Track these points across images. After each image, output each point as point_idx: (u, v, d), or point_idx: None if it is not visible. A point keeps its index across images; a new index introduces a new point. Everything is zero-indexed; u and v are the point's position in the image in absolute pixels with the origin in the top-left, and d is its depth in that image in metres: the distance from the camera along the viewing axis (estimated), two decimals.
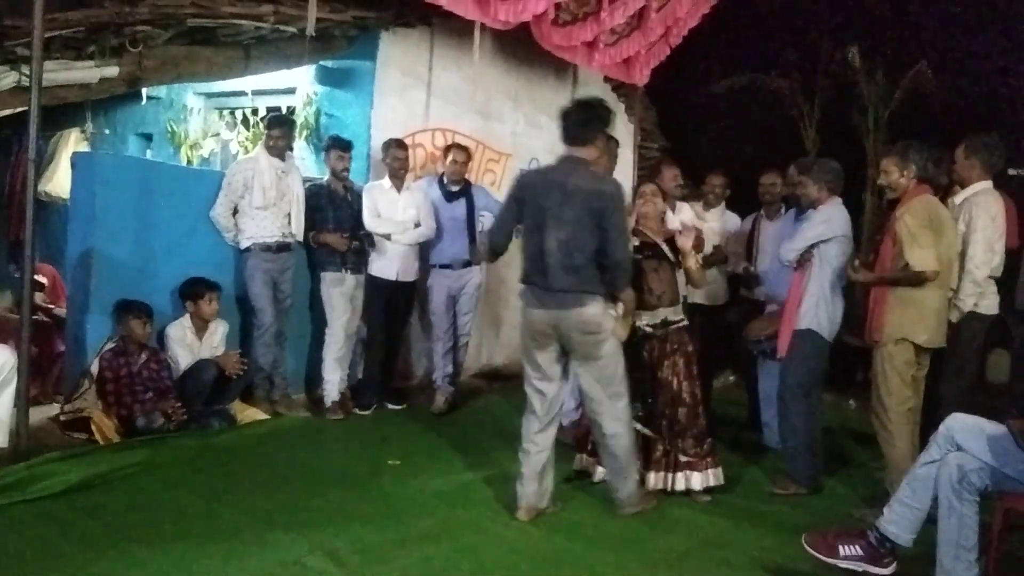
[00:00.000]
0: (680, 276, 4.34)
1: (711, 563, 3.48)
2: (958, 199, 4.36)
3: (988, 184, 4.33)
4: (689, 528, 3.86)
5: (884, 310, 4.03)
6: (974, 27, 9.72)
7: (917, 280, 3.91)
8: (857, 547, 3.23)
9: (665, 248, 4.26)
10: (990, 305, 4.37)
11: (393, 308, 5.69)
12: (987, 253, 4.23)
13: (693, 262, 4.30)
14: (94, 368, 4.66)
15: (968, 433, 3.03)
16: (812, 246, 4.29)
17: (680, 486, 4.19)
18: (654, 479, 4.16)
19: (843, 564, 3.24)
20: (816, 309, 4.31)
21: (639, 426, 4.16)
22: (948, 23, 9.85)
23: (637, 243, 4.27)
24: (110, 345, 4.71)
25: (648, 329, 4.26)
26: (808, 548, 3.33)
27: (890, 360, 4.02)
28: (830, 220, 4.30)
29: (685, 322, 4.36)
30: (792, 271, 4.42)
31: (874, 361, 4.13)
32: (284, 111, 6.52)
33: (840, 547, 3.27)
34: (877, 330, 4.07)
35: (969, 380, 4.41)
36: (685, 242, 4.23)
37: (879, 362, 4.08)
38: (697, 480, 4.21)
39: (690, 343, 4.34)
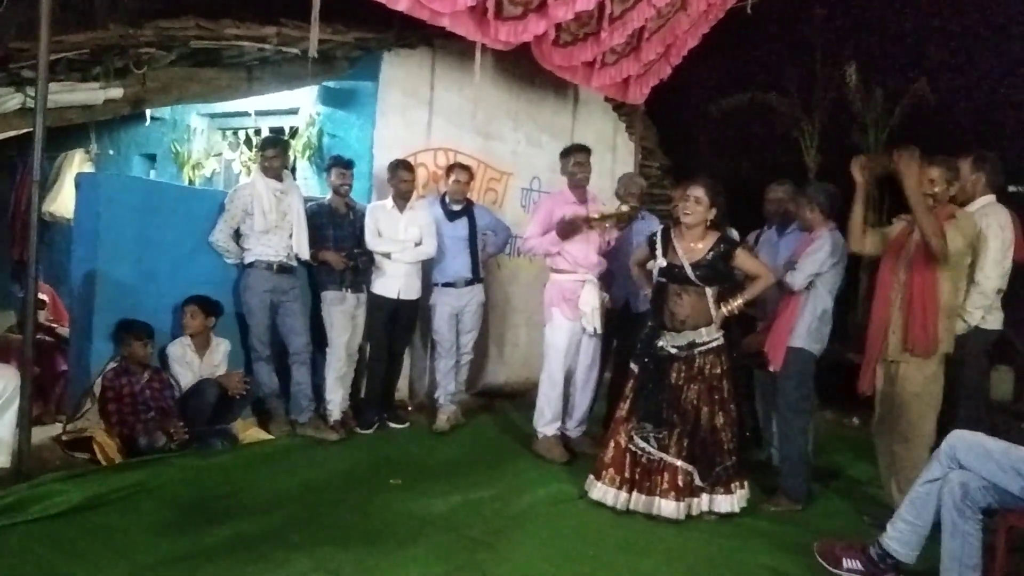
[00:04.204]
0: (710, 297, 4.21)
1: None
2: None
3: (993, 198, 4.36)
4: (684, 548, 3.83)
5: (935, 322, 3.93)
6: (972, 45, 9.78)
7: (939, 249, 3.84)
8: (858, 562, 3.27)
9: (689, 272, 4.16)
10: (995, 320, 4.37)
11: (395, 326, 5.70)
12: (996, 266, 4.23)
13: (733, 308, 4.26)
14: (96, 388, 4.66)
15: (970, 451, 3.03)
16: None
17: (704, 507, 4.17)
18: (675, 508, 4.09)
19: None
20: (810, 329, 4.36)
21: (647, 447, 4.16)
22: (946, 41, 9.91)
23: (665, 264, 4.24)
24: (112, 365, 4.71)
25: (672, 351, 4.20)
26: (818, 555, 3.44)
27: (934, 379, 3.98)
28: (836, 247, 4.34)
29: (717, 342, 4.21)
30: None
31: (904, 378, 4.02)
32: (287, 131, 6.57)
33: (844, 559, 3.35)
34: (926, 344, 3.94)
35: (981, 396, 4.42)
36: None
37: (918, 381, 3.98)
38: (722, 503, 4.19)
39: (722, 364, 4.21)
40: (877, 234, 4.31)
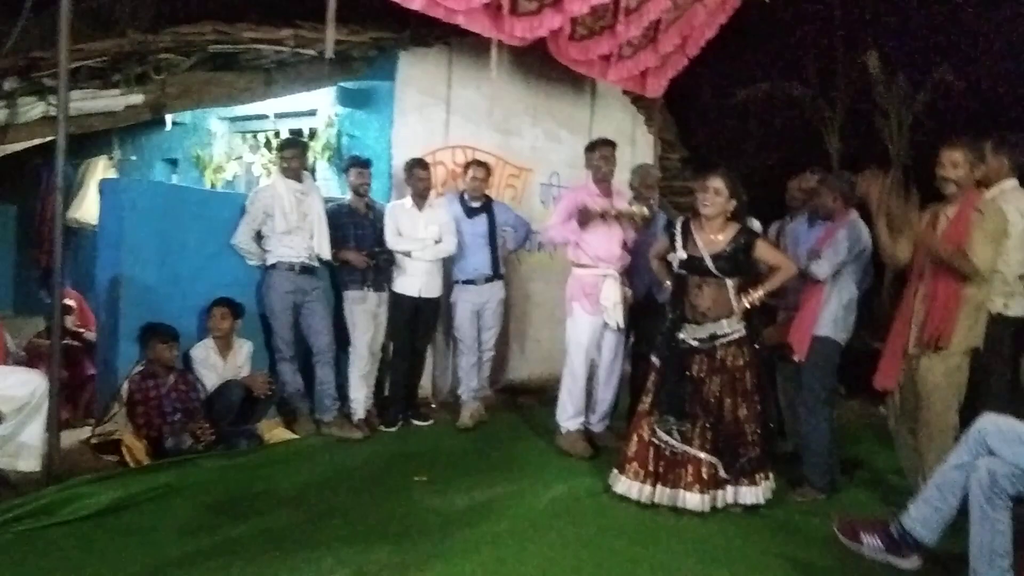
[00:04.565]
0: (731, 289, 4.17)
1: (727, 573, 3.45)
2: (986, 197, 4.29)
3: (1015, 182, 4.27)
4: (709, 541, 3.81)
5: (956, 318, 3.86)
6: (993, 29, 9.63)
7: (969, 272, 3.80)
8: (878, 538, 3.20)
9: (710, 264, 4.13)
10: (1019, 307, 4.28)
11: (417, 324, 5.72)
12: (1018, 251, 4.13)
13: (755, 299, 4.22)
14: (123, 391, 4.72)
15: (1002, 436, 2.98)
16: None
17: (728, 499, 4.15)
18: (699, 500, 4.07)
19: (866, 552, 3.26)
20: (836, 318, 4.33)
21: (670, 440, 4.14)
22: (968, 25, 9.77)
23: (685, 256, 4.22)
24: (139, 368, 4.77)
25: (694, 343, 4.18)
26: (837, 532, 3.37)
27: (957, 372, 3.90)
28: (860, 235, 4.29)
29: (739, 334, 4.18)
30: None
31: (928, 370, 3.94)
32: (306, 133, 6.60)
33: (863, 535, 3.28)
34: (944, 337, 3.87)
35: (1006, 384, 4.32)
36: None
37: (940, 374, 3.90)
38: (747, 495, 4.17)
39: (744, 356, 4.18)
40: (908, 238, 4.21)
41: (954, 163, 3.89)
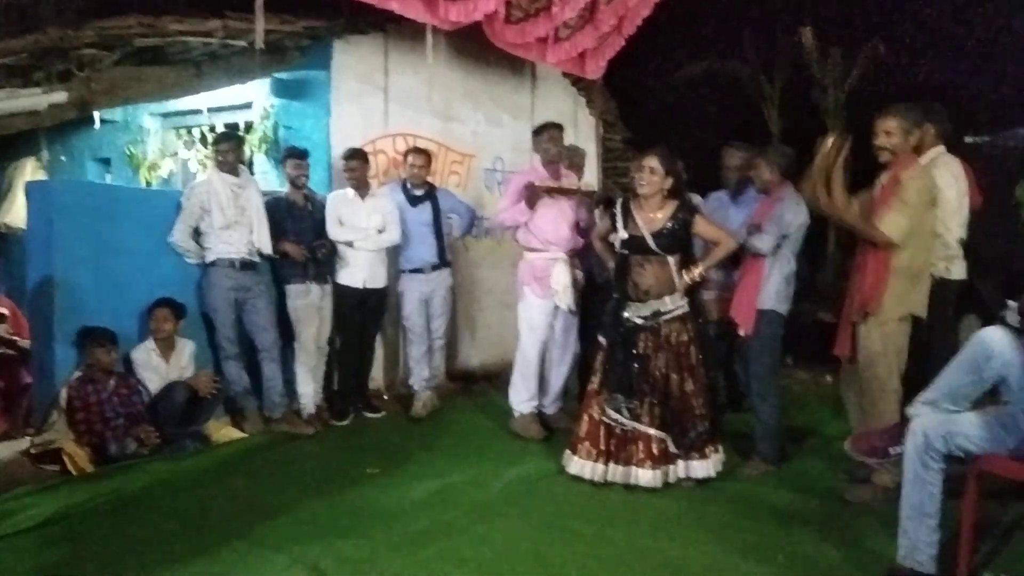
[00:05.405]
0: (672, 266, 4.21)
1: (683, 547, 3.47)
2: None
3: (943, 148, 4.36)
4: (663, 516, 3.84)
5: (885, 285, 3.90)
6: (923, 2, 9.84)
7: (879, 240, 3.85)
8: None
9: (650, 242, 4.17)
10: (959, 270, 4.39)
11: (364, 316, 5.65)
12: (955, 216, 4.23)
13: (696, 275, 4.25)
14: (62, 398, 4.58)
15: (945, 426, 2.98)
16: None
17: (680, 474, 4.18)
18: (651, 476, 4.11)
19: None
20: (779, 290, 4.38)
21: (620, 418, 4.16)
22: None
23: (626, 236, 4.24)
24: (77, 374, 4.63)
25: (639, 321, 4.21)
26: (856, 454, 3.33)
27: (893, 337, 3.93)
28: (800, 207, 4.32)
29: (682, 310, 4.21)
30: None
31: (866, 337, 3.99)
32: (241, 126, 6.47)
33: (889, 448, 3.18)
34: (875, 304, 3.92)
35: (948, 347, 4.41)
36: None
37: (877, 340, 3.95)
38: (698, 469, 4.21)
39: (688, 331, 4.21)
40: (859, 200, 4.23)
41: (887, 131, 3.94)
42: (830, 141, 3.87)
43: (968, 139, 7.13)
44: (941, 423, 2.91)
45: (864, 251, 4.02)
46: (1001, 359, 2.75)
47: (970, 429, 2.89)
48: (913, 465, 2.90)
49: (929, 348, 4.23)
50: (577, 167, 5.58)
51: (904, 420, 3.11)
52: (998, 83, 8.92)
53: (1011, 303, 4.35)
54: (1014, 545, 3.43)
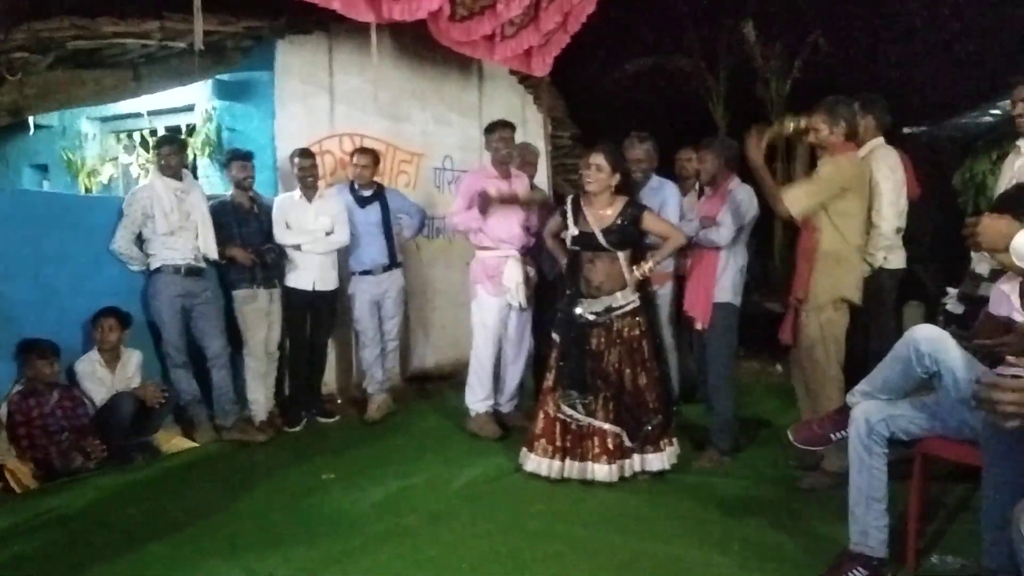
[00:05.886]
0: (623, 262, 4.24)
1: (640, 540, 3.49)
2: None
3: (881, 140, 4.46)
4: (619, 510, 3.86)
5: (814, 271, 3.99)
6: None
7: (775, 205, 3.91)
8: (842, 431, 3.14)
9: (600, 238, 4.18)
10: (898, 259, 4.49)
11: (314, 319, 5.59)
12: (892, 207, 4.32)
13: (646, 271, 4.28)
14: (2, 413, 4.44)
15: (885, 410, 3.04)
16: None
17: (636, 468, 4.21)
18: (608, 471, 4.13)
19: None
20: (734, 283, 4.44)
21: (575, 414, 4.18)
22: None
23: (577, 233, 4.25)
24: (18, 388, 4.50)
25: (591, 317, 4.22)
26: (799, 444, 3.31)
27: (830, 324, 4.00)
28: (752, 199, 4.38)
29: (633, 305, 4.24)
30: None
31: (805, 323, 4.06)
32: (183, 129, 6.33)
33: (831, 435, 3.20)
34: (806, 290, 4.00)
35: (889, 335, 4.51)
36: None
37: (814, 326, 4.02)
38: (653, 462, 4.24)
39: (640, 326, 4.25)
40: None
41: (815, 128, 4.06)
42: (791, 126, 4.04)
43: (907, 130, 7.30)
44: (881, 408, 2.97)
45: (800, 242, 4.11)
46: (932, 356, 2.82)
47: (910, 412, 2.96)
48: (857, 451, 2.96)
49: (870, 336, 4.33)
50: (530, 165, 5.58)
51: (845, 407, 3.16)
52: (936, 74, 9.14)
53: (951, 291, 4.48)
54: (959, 526, 3.52)
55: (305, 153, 5.51)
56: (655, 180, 5.19)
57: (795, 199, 3.91)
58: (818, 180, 3.95)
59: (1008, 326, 2.73)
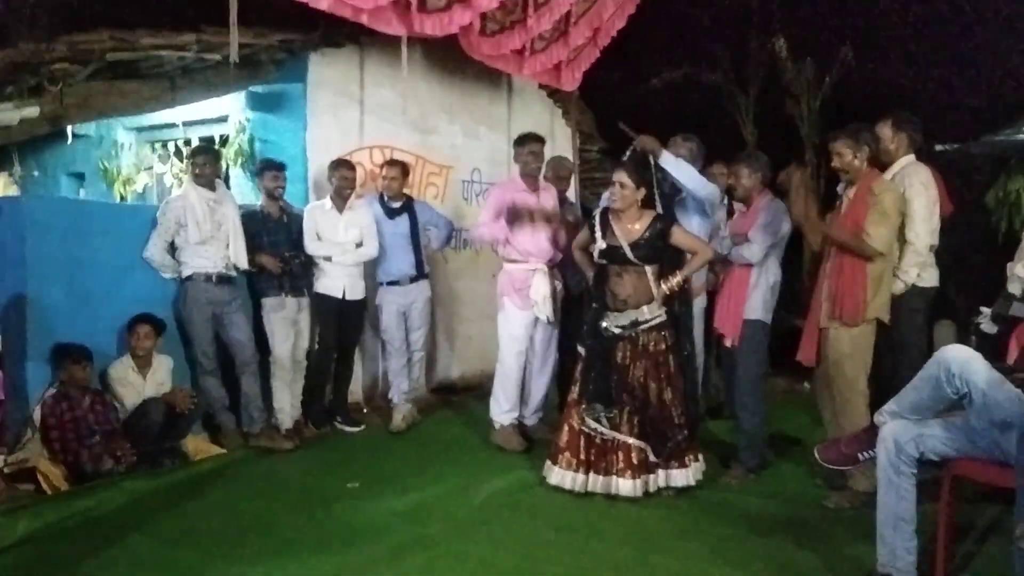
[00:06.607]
0: (650, 276, 4.25)
1: (663, 556, 3.48)
2: (888, 174, 4.43)
3: (912, 158, 4.42)
4: (643, 525, 3.85)
5: (864, 291, 3.96)
6: (894, 7, 9.96)
7: (870, 254, 3.92)
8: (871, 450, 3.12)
9: (628, 252, 4.19)
10: (931, 277, 4.44)
11: (343, 327, 5.64)
12: (925, 223, 4.28)
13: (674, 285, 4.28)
14: (36, 416, 4.52)
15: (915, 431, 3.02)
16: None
17: (660, 483, 4.20)
18: (632, 486, 4.11)
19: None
20: (765, 300, 4.42)
21: (599, 427, 4.17)
22: (870, 8, 10.08)
23: (605, 246, 4.26)
24: (52, 391, 4.58)
25: (616, 331, 4.22)
26: (825, 463, 3.30)
27: (860, 341, 4.00)
28: (784, 216, 4.36)
29: (659, 319, 4.24)
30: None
31: (835, 339, 4.04)
32: (217, 140, 6.43)
33: (859, 453, 3.18)
34: (853, 311, 3.97)
35: (920, 353, 4.46)
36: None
37: (845, 342, 4.01)
38: (678, 477, 4.23)
39: (666, 340, 4.25)
40: (812, 227, 4.28)
41: (839, 153, 4.07)
42: (798, 175, 4.09)
43: (939, 147, 7.22)
44: (910, 428, 2.94)
45: (840, 258, 4.06)
46: (962, 377, 2.79)
47: (940, 433, 2.93)
48: (886, 472, 2.93)
49: (900, 354, 4.29)
50: (563, 179, 5.58)
51: (873, 426, 3.14)
52: (969, 92, 9.05)
53: (984, 310, 4.42)
54: (989, 548, 3.46)
55: (347, 164, 5.60)
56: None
57: (883, 240, 3.94)
58: (890, 212, 3.97)
59: None
